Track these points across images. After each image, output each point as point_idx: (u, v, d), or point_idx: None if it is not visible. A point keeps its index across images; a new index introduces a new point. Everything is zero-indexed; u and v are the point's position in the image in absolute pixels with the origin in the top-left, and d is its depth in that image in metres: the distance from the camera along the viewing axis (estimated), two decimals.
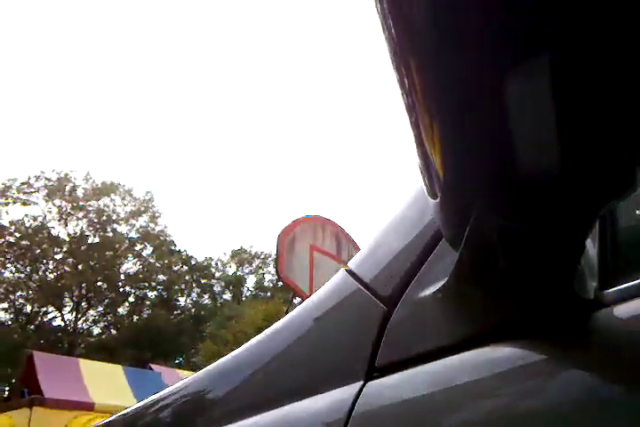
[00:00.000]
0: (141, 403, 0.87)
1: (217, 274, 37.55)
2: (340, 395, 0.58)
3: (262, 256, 37.95)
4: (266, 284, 37.73)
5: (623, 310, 0.45)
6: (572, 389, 0.44)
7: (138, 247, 31.71)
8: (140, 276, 31.51)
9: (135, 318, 31.42)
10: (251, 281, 38.88)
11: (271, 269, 37.27)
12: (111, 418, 0.91)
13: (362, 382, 0.57)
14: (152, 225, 31.89)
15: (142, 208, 31.35)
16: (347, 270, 0.72)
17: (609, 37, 0.31)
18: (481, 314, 0.52)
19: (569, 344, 0.46)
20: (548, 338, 0.47)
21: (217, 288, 37.37)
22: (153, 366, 13.58)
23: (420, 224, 0.65)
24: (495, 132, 0.38)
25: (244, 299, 36.36)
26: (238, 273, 37.85)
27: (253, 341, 0.77)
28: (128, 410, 0.89)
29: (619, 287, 0.47)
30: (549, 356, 0.47)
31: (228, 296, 37.27)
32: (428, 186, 0.47)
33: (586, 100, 0.33)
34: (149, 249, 31.94)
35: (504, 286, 0.49)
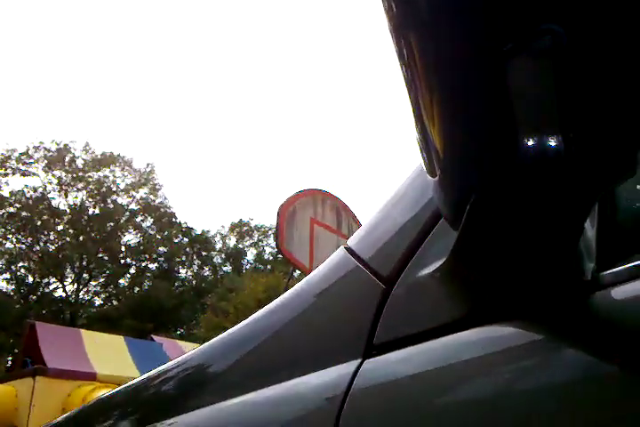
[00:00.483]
0: (144, 376, 0.88)
1: (217, 246, 37.75)
2: (339, 372, 0.59)
3: (262, 229, 38.08)
4: (266, 257, 37.95)
5: (619, 291, 0.45)
6: (567, 368, 0.44)
7: (138, 219, 31.79)
8: (141, 247, 31.66)
9: (136, 289, 31.69)
10: (251, 254, 39.10)
11: (271, 242, 37.44)
12: (114, 390, 0.93)
13: (360, 360, 0.58)
14: (152, 197, 31.90)
15: (142, 180, 31.30)
16: (346, 248, 0.72)
17: (610, 22, 0.30)
18: (479, 294, 0.53)
19: (566, 324, 0.47)
20: (546, 318, 0.48)
21: (217, 260, 37.62)
22: (154, 337, 13.73)
23: (420, 203, 0.64)
24: (497, 112, 0.37)
25: (244, 271, 36.63)
26: (239, 246, 38.03)
27: (254, 316, 0.78)
28: (130, 383, 0.91)
29: (615, 269, 0.47)
30: (546, 336, 0.47)
31: (228, 268, 37.53)
32: (427, 164, 0.47)
33: (586, 84, 0.33)
34: (150, 221, 32.02)
35: (503, 266, 0.49)
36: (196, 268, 35.82)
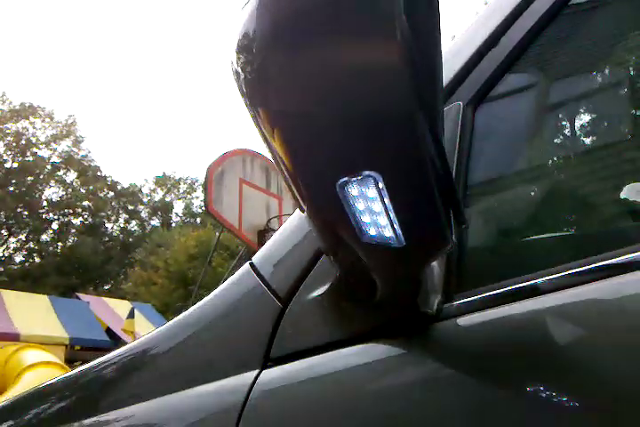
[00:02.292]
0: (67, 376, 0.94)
1: (144, 200, 36.96)
2: (239, 381, 0.68)
3: (189, 181, 37.50)
4: (195, 209, 37.53)
5: (458, 322, 0.57)
6: (409, 384, 0.56)
7: (61, 172, 30.55)
8: (64, 202, 30.59)
9: (60, 245, 30.79)
10: (179, 207, 38.55)
11: (199, 194, 36.99)
12: (49, 381, 0.98)
13: (258, 370, 0.68)
14: (75, 150, 30.65)
15: (64, 132, 29.94)
16: (250, 264, 0.80)
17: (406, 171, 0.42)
18: (353, 320, 0.63)
19: (411, 349, 0.58)
20: (399, 344, 0.59)
21: (144, 214, 36.93)
22: (80, 295, 13.54)
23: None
24: (343, 221, 0.49)
25: (173, 225, 36.18)
26: (166, 199, 37.38)
27: (167, 325, 0.85)
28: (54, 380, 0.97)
29: (456, 303, 0.58)
30: (395, 357, 0.59)
31: (156, 222, 36.96)
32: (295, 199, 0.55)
33: (399, 202, 0.45)
34: (73, 175, 30.87)
35: (366, 300, 0.60)
36: (122, 222, 35.06)
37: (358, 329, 0.63)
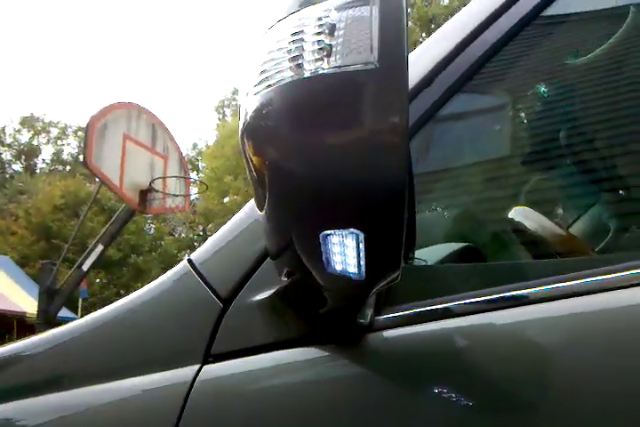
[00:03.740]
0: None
1: (7, 141, 34.02)
2: (181, 373, 0.73)
3: (61, 126, 34.99)
4: (65, 157, 35.22)
5: (385, 334, 0.67)
6: (339, 389, 0.66)
7: None
8: None
9: None
10: (47, 152, 36.00)
11: (71, 140, 34.73)
12: None
13: (200, 365, 0.74)
14: None
15: None
16: (189, 261, 0.84)
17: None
18: (292, 325, 0.71)
19: (342, 356, 0.68)
20: (333, 350, 0.68)
21: (6, 157, 34.06)
22: None
23: (260, 230, 0.79)
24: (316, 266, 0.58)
25: (38, 171, 33.75)
26: (32, 142, 34.65)
27: (107, 310, 0.87)
28: None
29: (384, 317, 0.69)
30: (327, 362, 0.68)
31: (18, 167, 34.25)
32: (256, 199, 0.61)
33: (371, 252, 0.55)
34: None
35: (307, 308, 0.68)
36: None
37: (296, 334, 0.71)
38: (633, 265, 0.61)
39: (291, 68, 0.51)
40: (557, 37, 1.06)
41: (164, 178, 6.95)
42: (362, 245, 0.52)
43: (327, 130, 0.50)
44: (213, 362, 0.74)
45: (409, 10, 0.50)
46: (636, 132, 0.97)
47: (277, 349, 0.71)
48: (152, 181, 6.75)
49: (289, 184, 0.51)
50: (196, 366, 0.74)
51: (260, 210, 0.57)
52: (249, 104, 0.53)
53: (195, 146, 34.34)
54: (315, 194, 0.51)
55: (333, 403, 0.66)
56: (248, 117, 0.52)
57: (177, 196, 7.05)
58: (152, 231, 27.29)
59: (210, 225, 27.21)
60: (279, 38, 0.53)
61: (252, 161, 0.53)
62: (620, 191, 1.10)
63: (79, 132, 31.87)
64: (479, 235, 1.07)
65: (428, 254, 0.90)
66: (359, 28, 0.50)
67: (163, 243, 27.19)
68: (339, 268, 0.56)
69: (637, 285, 0.59)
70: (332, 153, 0.50)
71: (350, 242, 0.52)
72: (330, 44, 0.50)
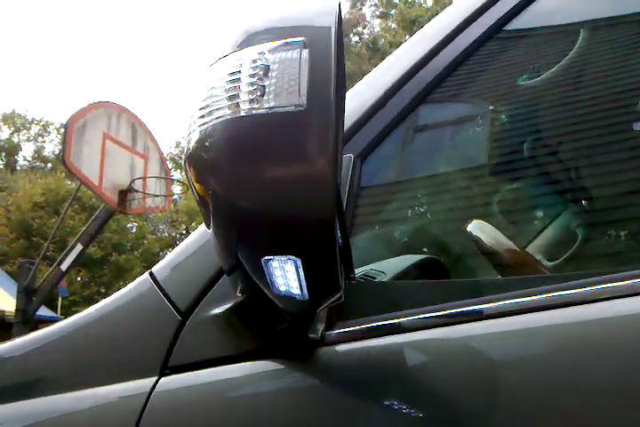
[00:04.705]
0: None
1: None
2: (139, 385, 0.74)
3: (43, 123, 34.63)
4: (46, 154, 34.85)
5: (336, 349, 0.69)
6: (292, 401, 0.68)
7: None
8: None
9: None
10: (28, 149, 35.61)
11: (53, 137, 34.38)
12: None
13: (157, 377, 0.75)
14: None
15: None
16: (150, 274, 0.86)
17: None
18: (247, 339, 0.73)
19: (294, 369, 0.70)
20: (285, 363, 0.70)
21: None
22: None
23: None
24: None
25: (18, 169, 33.38)
26: (12, 139, 34.25)
27: (61, 324, 0.89)
28: None
29: (335, 332, 0.70)
30: (280, 375, 0.70)
31: None
32: (203, 218, 0.62)
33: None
34: None
35: (261, 323, 0.70)
36: None
37: (251, 347, 0.73)
38: (582, 283, 0.63)
39: (229, 106, 0.54)
40: (521, 51, 1.08)
41: (144, 178, 6.91)
42: (300, 271, 0.54)
43: (260, 166, 0.53)
44: (170, 374, 0.75)
45: (344, 51, 0.53)
46: (598, 144, 1.00)
47: (232, 362, 0.72)
48: (132, 181, 6.72)
49: (227, 212, 0.54)
50: (154, 378, 0.75)
51: (208, 228, 0.59)
52: (192, 134, 0.56)
53: (178, 144, 34.12)
54: (251, 223, 0.53)
55: (286, 415, 0.68)
56: (191, 147, 0.55)
57: (157, 196, 7.04)
58: (134, 230, 27.13)
59: (193, 224, 27.09)
60: (219, 76, 0.56)
61: (194, 186, 0.55)
62: (584, 202, 1.13)
63: (61, 130, 31.58)
64: (440, 246, 1.10)
65: (389, 266, 0.93)
66: (291, 70, 0.53)
67: (145, 242, 27.03)
68: (283, 289, 0.58)
69: (588, 302, 0.61)
70: (264, 187, 0.52)
71: (290, 267, 0.55)
72: (263, 86, 0.53)
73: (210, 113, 0.54)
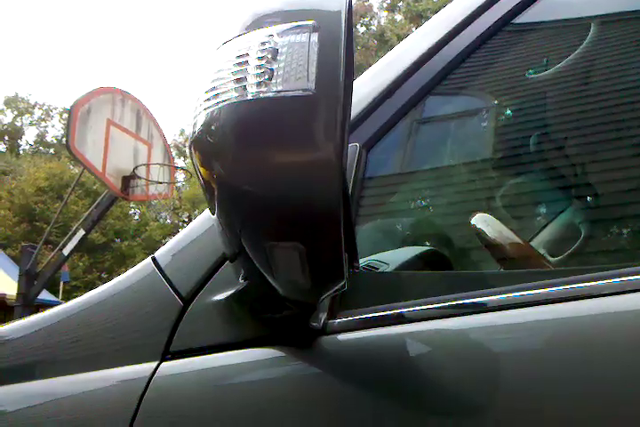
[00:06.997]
0: None
1: None
2: (140, 369, 0.75)
3: (45, 107, 34.56)
4: (49, 139, 34.83)
5: (338, 338, 0.69)
6: (292, 388, 0.68)
7: None
8: None
9: None
10: (31, 134, 35.59)
11: (56, 122, 34.34)
12: None
13: (158, 362, 0.76)
14: None
15: None
16: (153, 258, 0.86)
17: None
18: (249, 326, 0.73)
19: (296, 358, 0.70)
20: (287, 351, 0.70)
21: None
22: None
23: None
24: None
25: (21, 153, 33.37)
26: (16, 123, 34.21)
27: (70, 304, 0.89)
28: None
29: (338, 321, 0.71)
30: (281, 363, 0.70)
31: (2, 148, 33.82)
32: (208, 203, 0.62)
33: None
34: None
35: (263, 310, 0.70)
36: None
37: (252, 335, 0.73)
38: (586, 278, 0.63)
39: (236, 89, 0.53)
40: (529, 44, 1.08)
41: (147, 165, 6.91)
42: (304, 258, 0.54)
43: (266, 151, 0.52)
44: (171, 359, 0.75)
45: (353, 35, 0.52)
46: (606, 140, 0.99)
47: (233, 349, 0.73)
48: (135, 167, 6.72)
49: (232, 197, 0.53)
50: (155, 363, 0.75)
51: (212, 214, 0.59)
52: (198, 117, 0.55)
53: (182, 131, 34.05)
54: (255, 209, 0.53)
55: (286, 402, 0.68)
56: (196, 130, 0.54)
57: (160, 183, 7.04)
58: (137, 217, 27.16)
59: (196, 211, 27.09)
60: (227, 59, 0.55)
61: (199, 171, 0.54)
62: (589, 198, 1.13)
63: (64, 115, 31.50)
64: (443, 239, 1.10)
65: (392, 257, 0.93)
66: (299, 54, 0.52)
67: (147, 229, 27.06)
68: (286, 276, 0.58)
69: (592, 297, 0.61)
70: (269, 173, 0.52)
71: (294, 253, 0.54)
72: (272, 69, 0.52)
73: (216, 96, 0.53)
